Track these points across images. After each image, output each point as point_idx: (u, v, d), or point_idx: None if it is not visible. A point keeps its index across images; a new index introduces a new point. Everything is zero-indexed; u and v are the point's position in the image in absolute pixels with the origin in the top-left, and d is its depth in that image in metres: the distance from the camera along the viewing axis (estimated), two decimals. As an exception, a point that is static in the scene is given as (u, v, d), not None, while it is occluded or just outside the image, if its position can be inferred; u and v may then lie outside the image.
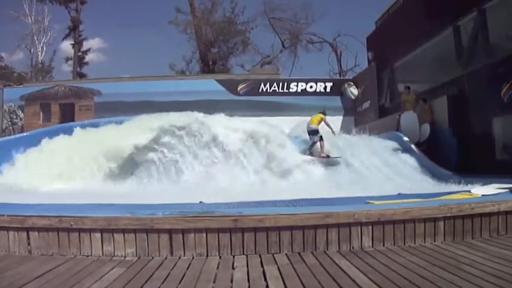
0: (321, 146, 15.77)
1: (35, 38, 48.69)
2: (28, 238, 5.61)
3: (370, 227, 5.59)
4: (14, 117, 29.67)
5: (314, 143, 15.84)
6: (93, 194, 12.00)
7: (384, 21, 25.77)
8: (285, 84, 29.96)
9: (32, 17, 47.99)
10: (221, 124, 16.09)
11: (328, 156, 15.60)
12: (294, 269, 4.67)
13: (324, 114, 16.63)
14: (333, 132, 16.30)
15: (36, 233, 5.59)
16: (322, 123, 16.35)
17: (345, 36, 46.33)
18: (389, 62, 23.43)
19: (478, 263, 4.70)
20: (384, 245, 5.58)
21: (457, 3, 16.38)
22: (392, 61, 23.02)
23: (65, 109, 29.77)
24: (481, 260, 4.81)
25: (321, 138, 15.79)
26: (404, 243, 5.65)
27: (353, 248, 5.51)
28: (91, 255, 5.45)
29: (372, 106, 25.88)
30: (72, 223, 5.50)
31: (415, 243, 5.69)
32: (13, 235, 5.65)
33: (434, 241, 5.78)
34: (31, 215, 5.67)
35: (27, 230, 5.61)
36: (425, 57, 19.60)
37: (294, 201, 7.75)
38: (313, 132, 15.91)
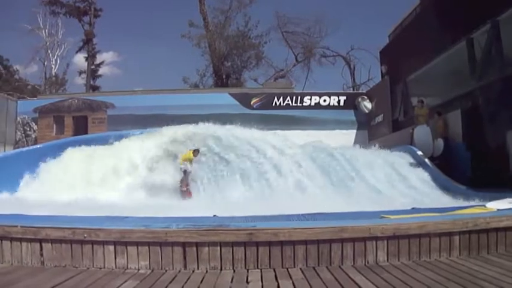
0: (183, 180, 16.43)
1: (49, 51, 48.99)
2: (41, 249, 5.64)
3: (385, 241, 5.55)
4: (28, 129, 29.77)
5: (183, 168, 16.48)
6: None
7: (397, 34, 25.77)
8: (299, 98, 29.92)
9: (46, 30, 48.29)
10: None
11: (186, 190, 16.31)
12: (309, 283, 4.65)
13: (196, 152, 16.99)
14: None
15: (50, 244, 5.62)
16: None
17: (358, 49, 46.15)
18: (402, 75, 23.35)
19: (494, 278, 4.66)
20: (399, 260, 5.54)
21: (471, 16, 16.30)
22: (406, 74, 22.92)
23: (78, 122, 29.88)
24: (498, 275, 4.77)
25: (185, 173, 16.41)
26: (420, 258, 5.60)
27: (368, 262, 5.47)
28: (104, 268, 5.46)
29: (385, 120, 25.79)
30: (85, 235, 5.51)
31: (430, 258, 5.64)
32: (26, 246, 5.68)
33: (450, 256, 5.73)
34: (45, 227, 5.69)
35: (41, 241, 5.63)
36: (439, 70, 19.52)
37: (308, 216, 7.73)
38: (181, 168, 16.56)
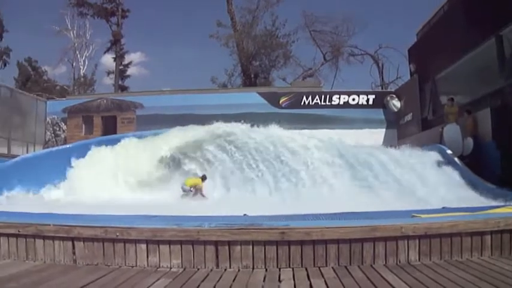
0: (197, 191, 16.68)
1: (77, 52, 49.71)
2: (73, 248, 5.74)
3: (417, 240, 5.54)
4: (57, 129, 30.04)
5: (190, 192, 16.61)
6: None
7: (425, 32, 25.52)
8: (327, 97, 29.70)
9: (74, 32, 49.05)
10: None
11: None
12: (341, 282, 4.67)
13: (204, 179, 17.14)
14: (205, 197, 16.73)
15: (82, 243, 5.71)
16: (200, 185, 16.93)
17: (386, 48, 45.74)
18: (431, 73, 23.12)
19: (527, 279, 4.64)
20: (430, 259, 5.53)
21: (499, 13, 16.14)
22: (435, 73, 22.69)
23: (107, 121, 30.11)
24: (530, 275, 4.74)
25: (191, 190, 16.59)
26: (451, 258, 5.58)
27: (400, 261, 5.47)
28: (136, 266, 5.53)
29: (414, 119, 25.57)
30: (117, 234, 5.60)
31: (461, 257, 5.62)
32: (58, 245, 5.79)
33: (481, 256, 5.70)
34: (77, 225, 5.79)
35: (73, 239, 5.73)
36: (468, 68, 19.30)
37: (340, 215, 7.74)
38: (184, 189, 16.55)
